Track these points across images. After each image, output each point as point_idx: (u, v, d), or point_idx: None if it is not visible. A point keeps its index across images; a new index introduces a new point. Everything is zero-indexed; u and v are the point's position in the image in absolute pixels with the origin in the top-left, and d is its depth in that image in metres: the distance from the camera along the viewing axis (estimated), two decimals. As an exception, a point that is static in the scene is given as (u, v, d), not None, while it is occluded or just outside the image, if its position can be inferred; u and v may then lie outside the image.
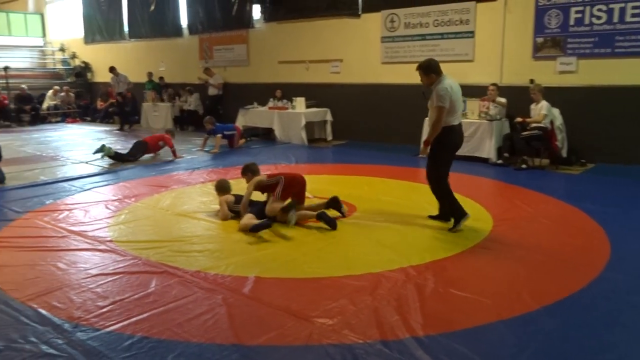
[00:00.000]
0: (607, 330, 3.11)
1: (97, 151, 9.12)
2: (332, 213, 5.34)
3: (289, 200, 5.33)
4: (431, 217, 5.41)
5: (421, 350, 2.88)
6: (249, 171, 5.71)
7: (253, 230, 4.86)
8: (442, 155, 5.13)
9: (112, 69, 14.05)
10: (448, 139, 5.02)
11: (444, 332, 3.09)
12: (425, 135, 8.33)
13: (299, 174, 5.67)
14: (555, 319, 3.25)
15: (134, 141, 9.53)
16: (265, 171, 5.97)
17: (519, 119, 8.17)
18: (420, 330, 3.11)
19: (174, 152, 9.33)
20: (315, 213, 5.22)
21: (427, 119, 8.58)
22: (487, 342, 2.99)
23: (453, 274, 3.96)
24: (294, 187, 5.42)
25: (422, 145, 5.15)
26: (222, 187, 5.82)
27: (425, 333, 3.07)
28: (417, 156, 5.00)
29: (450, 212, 5.15)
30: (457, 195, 5.20)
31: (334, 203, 5.45)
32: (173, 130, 10.27)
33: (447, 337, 3.03)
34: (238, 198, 5.53)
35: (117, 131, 13.71)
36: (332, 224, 5.05)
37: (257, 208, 5.36)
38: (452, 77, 5.15)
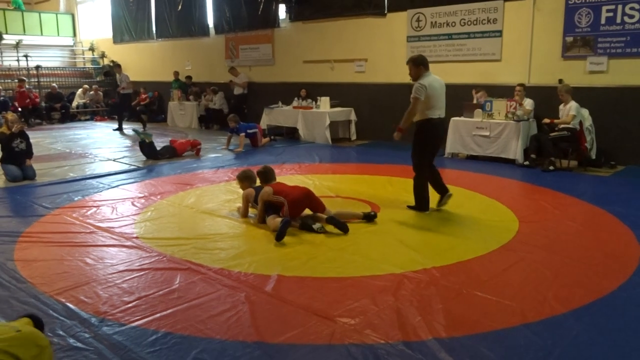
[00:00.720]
0: (636, 336, 3.03)
1: (136, 132, 9.32)
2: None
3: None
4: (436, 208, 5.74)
5: (444, 352, 2.86)
6: (247, 180, 5.71)
7: (278, 238, 4.74)
8: (423, 145, 5.63)
9: (117, 66, 14.23)
10: (427, 130, 5.55)
11: (467, 334, 3.06)
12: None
13: (301, 192, 5.25)
14: (582, 323, 3.19)
15: (164, 144, 9.63)
16: (288, 171, 5.92)
17: (546, 120, 8.05)
18: (443, 331, 3.08)
19: (198, 151, 9.46)
20: (360, 213, 5.30)
21: (453, 118, 8.58)
22: (512, 345, 2.94)
23: (477, 276, 3.91)
24: (302, 205, 5.21)
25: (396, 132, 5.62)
26: (245, 177, 5.78)
27: (448, 335, 3.04)
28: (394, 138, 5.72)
29: (417, 198, 5.71)
30: (482, 197, 5.16)
31: (368, 218, 5.30)
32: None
33: (470, 339, 3.00)
34: (258, 190, 5.44)
35: (114, 131, 13.58)
36: (343, 227, 4.96)
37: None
38: (438, 75, 5.61)
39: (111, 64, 18.55)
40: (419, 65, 5.50)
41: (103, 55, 19.02)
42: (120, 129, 13.71)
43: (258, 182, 5.75)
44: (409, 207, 5.78)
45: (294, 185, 5.50)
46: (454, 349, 2.89)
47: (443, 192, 5.75)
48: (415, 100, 5.43)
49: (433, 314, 3.31)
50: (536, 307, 3.39)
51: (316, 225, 4.98)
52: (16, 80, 15.65)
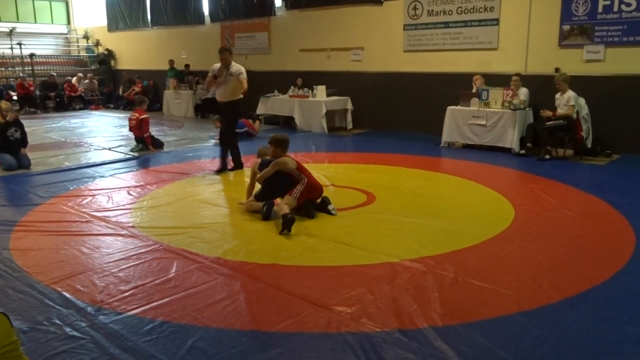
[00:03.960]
0: (630, 323, 3.05)
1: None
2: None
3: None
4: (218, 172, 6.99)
5: (440, 340, 2.87)
6: (275, 144, 5.40)
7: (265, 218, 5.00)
8: (235, 117, 7.29)
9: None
10: (239, 107, 7.17)
11: (463, 322, 3.07)
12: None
13: (320, 185, 5.38)
14: (577, 311, 3.20)
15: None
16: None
17: (548, 114, 7.95)
18: (439, 320, 3.09)
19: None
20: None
21: (449, 107, 8.55)
22: (507, 333, 2.96)
23: (473, 265, 3.92)
24: (311, 194, 5.20)
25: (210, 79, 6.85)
26: (278, 141, 5.48)
27: (444, 323, 3.06)
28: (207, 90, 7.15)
29: (237, 161, 7.13)
30: (478, 186, 5.18)
31: (323, 204, 5.28)
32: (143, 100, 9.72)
33: (466, 327, 3.01)
34: (265, 162, 5.35)
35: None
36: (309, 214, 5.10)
37: (271, 187, 5.24)
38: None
39: (106, 52, 18.45)
40: (232, 54, 6.94)
41: (98, 44, 18.88)
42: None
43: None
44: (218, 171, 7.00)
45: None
46: (450, 336, 2.90)
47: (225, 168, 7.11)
48: (246, 80, 6.76)
49: (429, 302, 3.32)
50: (532, 295, 3.40)
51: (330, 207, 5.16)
52: (10, 69, 15.54)
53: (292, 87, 11.92)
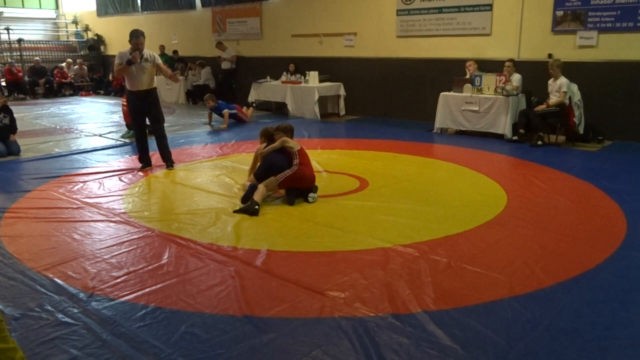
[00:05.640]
0: (621, 307, 3.07)
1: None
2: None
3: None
4: (142, 168, 6.55)
5: (433, 324, 2.88)
6: (283, 131, 5.47)
7: (243, 202, 4.99)
8: (160, 105, 6.74)
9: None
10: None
11: (456, 307, 3.08)
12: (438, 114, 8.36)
13: (311, 174, 5.26)
14: (569, 295, 3.23)
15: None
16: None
17: (542, 107, 7.92)
18: (432, 304, 3.10)
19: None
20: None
21: (442, 93, 8.57)
22: (500, 317, 2.97)
23: (466, 250, 3.93)
24: (298, 183, 5.13)
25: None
26: (265, 133, 5.66)
27: (438, 307, 3.07)
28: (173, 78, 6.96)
29: (168, 156, 6.64)
30: (471, 172, 5.21)
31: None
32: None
33: (459, 312, 3.03)
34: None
35: None
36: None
37: (271, 166, 5.23)
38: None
39: (95, 38, 18.22)
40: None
41: (87, 29, 18.64)
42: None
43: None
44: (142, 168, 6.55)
45: (312, 166, 5.39)
46: (443, 321, 2.91)
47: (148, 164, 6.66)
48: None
49: (422, 287, 3.33)
50: (524, 280, 3.42)
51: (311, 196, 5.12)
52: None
53: (284, 73, 11.85)
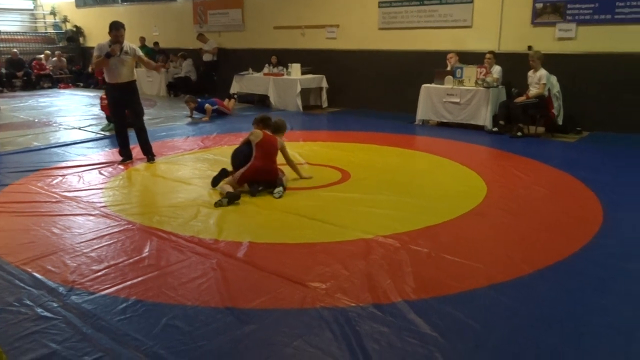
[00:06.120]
0: (597, 294, 3.14)
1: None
2: (297, 184, 5.35)
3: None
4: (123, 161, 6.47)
5: (413, 313, 2.91)
6: (257, 123, 5.54)
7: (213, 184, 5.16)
8: (139, 98, 6.67)
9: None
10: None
11: (436, 296, 3.12)
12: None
13: (266, 166, 5.18)
14: (546, 283, 3.28)
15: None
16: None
17: (522, 97, 7.99)
18: (413, 294, 3.14)
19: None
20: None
21: (424, 85, 8.61)
22: (480, 305, 3.02)
23: (446, 240, 3.97)
24: (255, 177, 5.14)
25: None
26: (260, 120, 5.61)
27: (418, 297, 3.10)
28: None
29: (149, 149, 6.58)
30: (452, 163, 5.24)
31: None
32: None
33: (439, 300, 3.06)
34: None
35: None
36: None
37: (236, 156, 5.35)
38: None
39: (74, 29, 17.94)
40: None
41: (65, 20, 18.32)
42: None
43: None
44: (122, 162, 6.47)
45: (272, 160, 5.33)
46: (423, 310, 2.95)
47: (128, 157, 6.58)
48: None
49: (403, 277, 3.36)
50: (503, 269, 3.47)
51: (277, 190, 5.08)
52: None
53: (266, 65, 11.79)
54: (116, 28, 6.21)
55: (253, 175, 5.13)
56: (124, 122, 6.57)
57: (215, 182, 5.29)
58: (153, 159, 6.58)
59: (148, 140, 6.65)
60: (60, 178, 5.81)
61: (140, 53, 6.57)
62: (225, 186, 5.02)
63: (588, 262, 3.59)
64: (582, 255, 3.70)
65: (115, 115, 6.61)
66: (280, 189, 5.08)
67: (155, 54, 14.43)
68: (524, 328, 2.80)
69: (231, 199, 4.80)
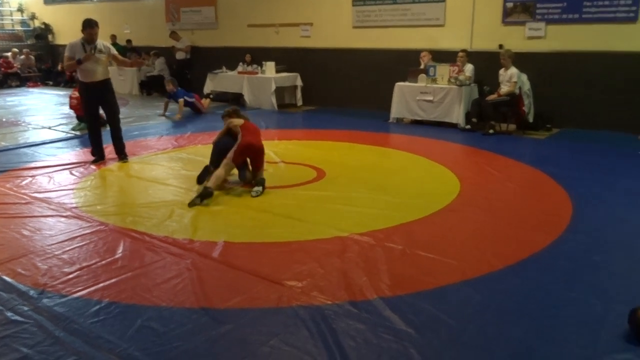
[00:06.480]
0: (566, 287, 3.22)
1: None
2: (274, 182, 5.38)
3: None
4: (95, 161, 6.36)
5: (389, 309, 2.94)
6: (229, 115, 5.66)
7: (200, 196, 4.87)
8: (115, 96, 6.56)
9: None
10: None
11: (411, 292, 3.16)
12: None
13: (258, 143, 5.32)
14: (518, 277, 3.35)
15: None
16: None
17: (493, 95, 8.12)
18: (388, 290, 3.17)
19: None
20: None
21: (398, 83, 8.67)
22: (453, 301, 3.06)
23: (420, 237, 4.02)
24: (248, 153, 5.23)
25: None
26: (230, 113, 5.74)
27: (393, 293, 3.13)
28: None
29: (122, 148, 6.51)
30: (426, 161, 5.35)
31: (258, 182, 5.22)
32: None
33: (414, 297, 3.10)
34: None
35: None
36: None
37: (221, 151, 5.31)
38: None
39: (43, 27, 17.55)
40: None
41: (33, 17, 17.90)
42: None
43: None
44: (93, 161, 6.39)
45: (260, 138, 5.44)
46: (398, 306, 2.98)
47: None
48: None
49: (378, 274, 3.39)
50: (476, 264, 3.53)
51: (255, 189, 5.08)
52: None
53: (240, 64, 11.72)
54: (90, 26, 6.11)
55: (247, 149, 5.16)
56: (98, 122, 6.48)
57: (200, 179, 5.27)
58: (126, 159, 6.48)
59: (122, 139, 6.56)
60: (30, 179, 5.69)
61: (115, 51, 6.51)
62: (213, 178, 5.01)
63: (557, 256, 3.68)
64: (552, 250, 3.78)
65: (89, 115, 6.50)
66: (259, 188, 5.08)
67: (127, 52, 14.22)
68: (495, 322, 2.85)
69: (203, 196, 4.78)
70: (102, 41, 6.35)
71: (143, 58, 13.76)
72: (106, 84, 6.37)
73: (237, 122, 5.43)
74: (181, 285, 3.26)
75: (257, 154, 5.27)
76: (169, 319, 2.89)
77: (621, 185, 5.33)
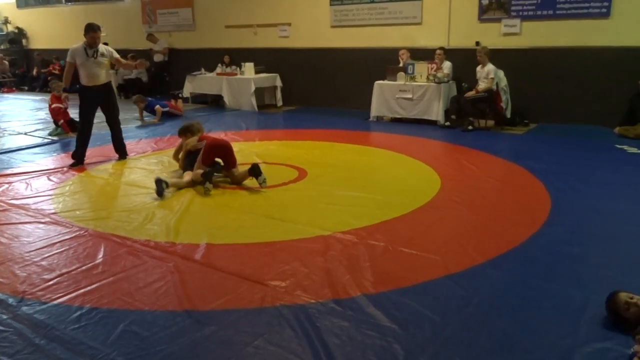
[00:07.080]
0: (546, 279, 3.26)
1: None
2: (252, 183, 5.34)
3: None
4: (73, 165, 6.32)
5: (372, 306, 2.96)
6: (187, 132, 5.87)
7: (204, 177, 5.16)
8: (116, 99, 6.77)
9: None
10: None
11: (394, 288, 3.17)
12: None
13: (223, 140, 5.76)
14: (498, 271, 3.39)
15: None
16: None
17: (471, 93, 8.21)
18: (371, 287, 3.18)
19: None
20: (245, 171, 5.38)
21: (377, 82, 8.71)
22: (436, 296, 3.09)
23: (403, 233, 4.04)
24: (216, 152, 5.46)
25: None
26: (185, 129, 5.93)
27: (376, 290, 3.15)
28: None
29: (123, 147, 6.69)
30: (406, 158, 5.37)
31: (254, 171, 5.22)
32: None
33: (397, 293, 3.12)
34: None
35: None
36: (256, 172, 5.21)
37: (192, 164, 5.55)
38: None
39: (16, 31, 17.25)
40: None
41: (6, 21, 17.58)
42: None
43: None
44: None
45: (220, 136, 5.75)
46: (382, 302, 3.00)
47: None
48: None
49: (361, 271, 3.40)
50: (457, 259, 3.56)
51: (207, 185, 5.14)
52: None
53: (219, 65, 11.67)
54: (92, 30, 6.24)
55: (212, 150, 5.40)
56: (91, 126, 6.52)
57: (160, 193, 5.02)
58: (125, 157, 6.70)
59: (123, 139, 6.78)
60: (7, 185, 5.60)
61: (117, 55, 6.60)
62: (176, 180, 5.32)
63: (537, 249, 3.73)
64: (532, 243, 3.84)
65: (84, 118, 6.49)
66: (262, 176, 5.16)
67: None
68: (477, 316, 2.88)
69: (207, 175, 5.11)
70: (105, 46, 6.45)
71: (154, 50, 13.55)
72: (108, 87, 6.57)
73: (192, 140, 5.63)
74: (164, 289, 3.24)
75: (224, 150, 5.47)
76: (152, 322, 2.87)
77: (597, 177, 5.43)
